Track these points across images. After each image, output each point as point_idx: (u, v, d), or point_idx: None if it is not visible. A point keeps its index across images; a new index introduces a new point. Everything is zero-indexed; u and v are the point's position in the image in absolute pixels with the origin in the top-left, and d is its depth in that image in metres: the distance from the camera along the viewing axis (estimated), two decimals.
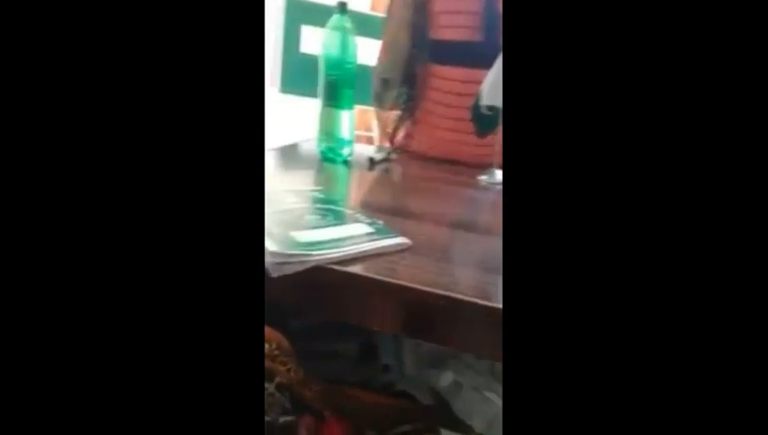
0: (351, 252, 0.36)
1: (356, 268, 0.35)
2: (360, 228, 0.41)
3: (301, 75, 2.03)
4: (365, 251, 0.37)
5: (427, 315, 0.34)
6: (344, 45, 0.68)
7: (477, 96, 0.75)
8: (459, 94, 0.82)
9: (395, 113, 0.93)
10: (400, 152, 0.89)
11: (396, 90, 0.89)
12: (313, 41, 1.96)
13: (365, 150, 0.82)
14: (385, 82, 0.90)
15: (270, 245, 0.34)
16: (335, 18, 0.68)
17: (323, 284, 0.35)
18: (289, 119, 2.46)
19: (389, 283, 0.34)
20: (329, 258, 0.35)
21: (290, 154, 0.78)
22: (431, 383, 0.49)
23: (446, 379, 0.49)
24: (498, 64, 0.71)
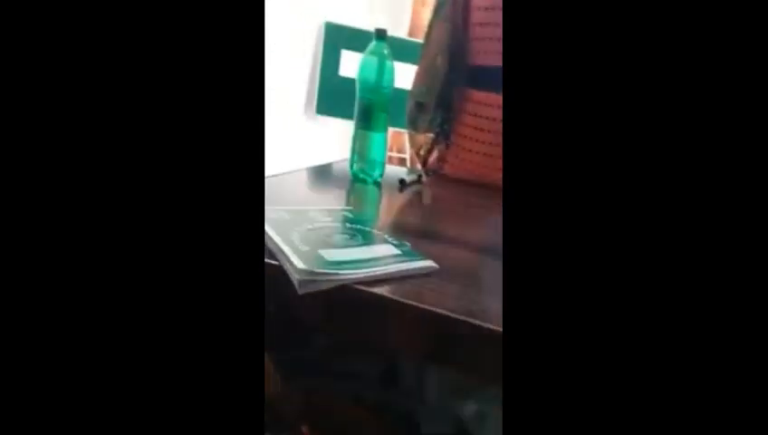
0: (378, 273, 0.36)
1: (381, 289, 0.35)
2: (388, 250, 0.41)
3: (337, 98, 2.09)
4: (392, 273, 0.37)
5: (451, 342, 0.33)
6: (381, 70, 0.69)
7: None
8: (494, 119, 0.82)
9: (429, 136, 0.94)
10: (432, 175, 0.89)
11: (430, 114, 0.90)
12: (352, 65, 2.02)
13: (397, 172, 0.83)
14: (420, 106, 0.91)
15: (298, 262, 0.34)
16: (373, 44, 0.70)
17: (348, 303, 0.35)
18: (325, 140, 2.52)
19: (414, 306, 0.34)
20: (355, 278, 0.35)
21: (323, 174, 0.80)
22: (454, 412, 0.48)
23: (470, 409, 0.48)
24: None
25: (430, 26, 0.92)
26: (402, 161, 2.20)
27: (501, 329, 0.32)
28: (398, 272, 0.37)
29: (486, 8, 0.82)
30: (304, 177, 0.75)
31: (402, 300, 0.34)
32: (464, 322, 0.32)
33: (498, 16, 0.82)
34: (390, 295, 0.35)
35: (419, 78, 0.92)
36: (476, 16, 0.83)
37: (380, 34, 0.70)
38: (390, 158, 2.25)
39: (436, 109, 0.89)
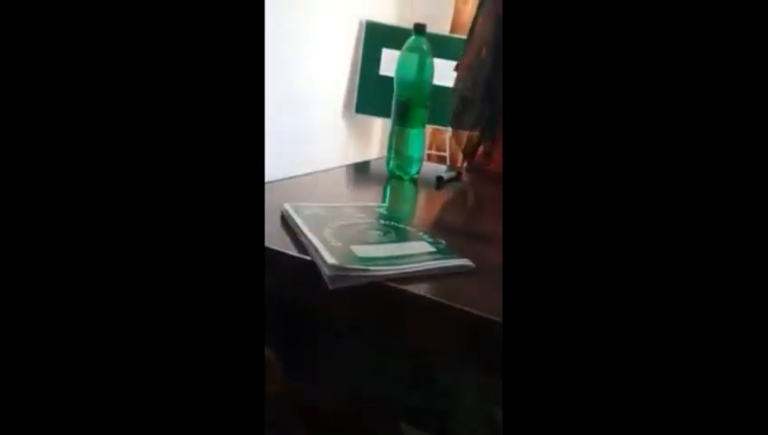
0: (410, 270, 0.35)
1: (414, 287, 0.34)
2: (422, 247, 0.40)
3: (377, 96, 2.09)
4: (425, 270, 0.36)
5: (486, 344, 0.32)
6: (419, 66, 0.68)
7: None
8: None
9: (474, 133, 0.92)
10: (475, 172, 0.87)
11: (476, 109, 0.88)
12: (393, 63, 2.02)
13: (435, 169, 0.81)
14: (464, 101, 0.89)
15: (329, 257, 0.34)
16: (411, 39, 0.69)
17: (379, 300, 0.35)
18: (367, 138, 2.54)
19: (447, 305, 0.33)
20: (386, 274, 0.34)
21: (360, 171, 0.80)
22: (488, 414, 0.46)
23: None
24: None
25: (474, 21, 0.90)
26: (441, 159, 2.17)
27: None
28: (430, 270, 0.36)
29: None
30: (342, 174, 0.75)
31: (435, 298, 0.33)
32: (495, 322, 0.31)
33: None
34: (422, 293, 0.34)
35: (464, 73, 0.90)
36: None
37: (419, 29, 0.69)
38: (429, 155, 2.22)
39: (483, 103, 0.87)
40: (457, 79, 0.91)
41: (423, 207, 0.66)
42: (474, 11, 0.91)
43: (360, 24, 2.15)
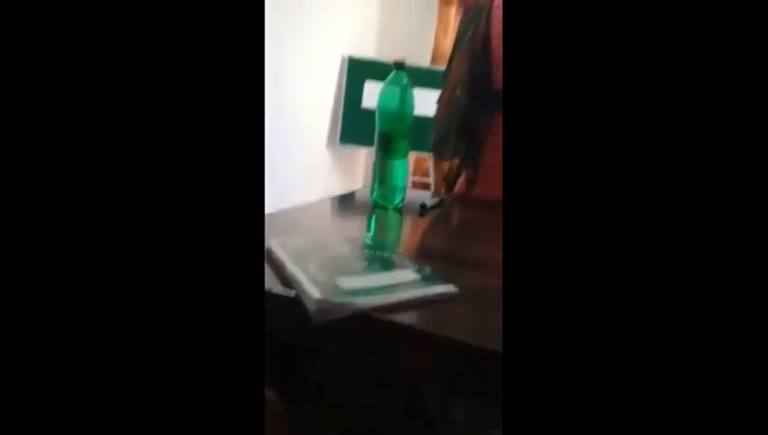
0: (395, 299, 0.36)
1: (400, 316, 0.35)
2: (407, 275, 0.40)
3: (360, 127, 2.14)
4: (410, 299, 0.37)
5: (473, 370, 0.32)
6: (400, 100, 0.71)
7: None
8: None
9: (454, 163, 0.95)
10: (457, 199, 0.89)
11: (452, 145, 0.91)
12: (375, 95, 2.08)
13: (419, 197, 0.83)
14: (441, 136, 0.93)
15: (314, 292, 0.34)
16: (392, 75, 0.71)
17: (366, 331, 0.35)
18: (352, 169, 2.57)
19: (432, 333, 0.33)
20: (372, 305, 0.35)
21: (346, 202, 0.81)
22: None
23: None
24: None
25: (451, 59, 0.94)
26: (426, 186, 2.20)
27: None
28: (415, 298, 0.37)
29: (502, 36, 0.84)
30: (328, 206, 0.76)
31: (420, 327, 0.34)
32: (482, 348, 0.31)
33: None
34: (407, 322, 0.34)
35: (441, 109, 0.94)
36: (495, 43, 0.85)
37: (399, 65, 0.71)
38: (414, 182, 2.25)
39: (458, 138, 0.90)
40: (437, 111, 0.94)
41: (408, 235, 0.67)
42: (451, 49, 0.96)
43: (343, 59, 2.21)
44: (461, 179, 0.94)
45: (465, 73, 0.88)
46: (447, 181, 0.96)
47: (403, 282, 0.39)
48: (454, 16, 2.57)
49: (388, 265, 0.43)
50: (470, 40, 0.88)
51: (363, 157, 2.59)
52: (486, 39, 0.86)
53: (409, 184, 0.82)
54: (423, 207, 0.74)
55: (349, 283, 0.37)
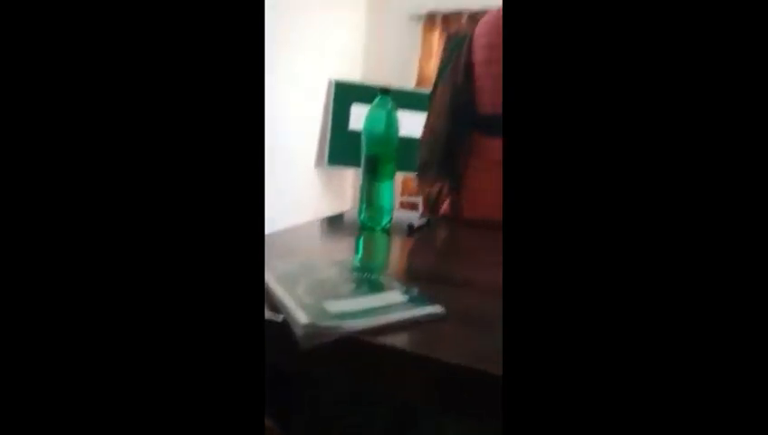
0: (383, 322, 0.36)
1: (388, 338, 0.35)
2: (395, 297, 0.41)
3: (347, 148, 2.16)
4: (397, 321, 0.37)
5: (462, 391, 0.32)
6: (385, 125, 0.72)
7: None
8: (501, 163, 0.84)
9: (436, 187, 0.97)
10: (444, 220, 0.90)
11: (434, 170, 0.94)
12: (362, 117, 2.12)
13: (406, 217, 0.84)
14: (425, 162, 0.95)
15: (301, 316, 0.35)
16: (377, 100, 0.73)
17: (355, 354, 0.35)
18: (339, 187, 2.57)
19: (419, 354, 0.33)
20: (359, 328, 0.35)
21: (334, 223, 0.81)
22: None
23: None
24: None
25: (434, 89, 0.97)
26: (414, 206, 2.22)
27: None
28: (403, 320, 0.37)
29: (486, 62, 0.87)
30: (317, 228, 0.76)
31: (407, 348, 0.34)
32: (471, 368, 0.31)
33: (495, 69, 0.86)
34: (394, 344, 0.34)
35: (425, 135, 0.96)
36: (478, 71, 0.88)
37: (384, 91, 0.73)
38: (402, 202, 2.27)
39: (440, 166, 0.93)
40: (422, 137, 0.97)
41: (396, 256, 0.67)
42: (435, 79, 0.99)
43: (330, 83, 2.25)
44: (446, 202, 0.96)
45: (447, 103, 0.91)
46: (430, 204, 0.98)
47: (391, 304, 0.39)
48: (437, 42, 2.65)
49: (375, 288, 0.44)
50: (453, 69, 0.91)
51: (352, 177, 2.60)
52: (469, 67, 0.89)
53: (397, 204, 0.83)
54: (410, 227, 0.74)
55: (336, 306, 0.37)
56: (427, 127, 0.96)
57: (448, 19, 2.64)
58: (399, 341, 0.35)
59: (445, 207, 0.96)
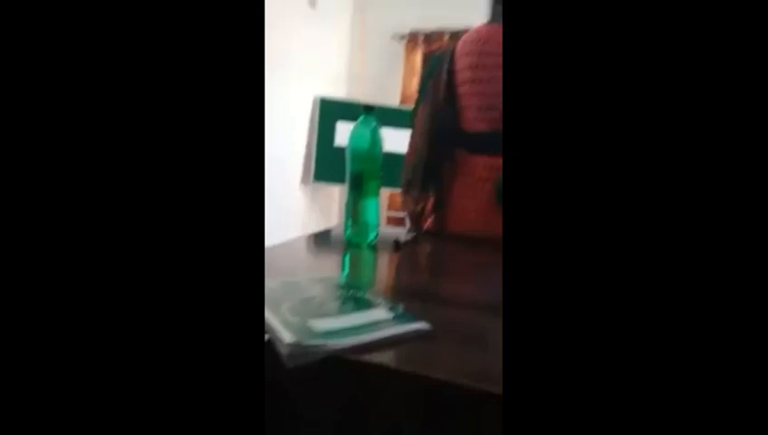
0: (368, 339, 0.36)
1: (373, 356, 0.35)
2: (380, 314, 0.41)
3: (334, 165, 2.17)
4: (383, 338, 0.37)
5: (447, 407, 0.32)
6: (370, 142, 0.73)
7: (499, 180, 0.78)
8: (486, 179, 0.85)
9: (420, 205, 0.99)
10: (430, 235, 0.91)
11: (417, 188, 0.95)
12: (347, 134, 2.14)
13: (393, 233, 0.84)
14: (408, 181, 0.97)
15: (286, 336, 0.34)
16: (361, 118, 0.74)
17: (340, 372, 0.35)
18: (326, 202, 2.57)
19: (406, 371, 0.33)
20: (344, 346, 0.35)
21: (321, 240, 0.81)
22: None
23: None
24: None
25: (416, 108, 0.99)
26: (400, 220, 2.23)
27: (493, 389, 0.31)
28: (388, 337, 0.37)
29: (469, 81, 0.89)
30: (303, 245, 0.76)
31: (391, 365, 0.34)
32: (457, 385, 0.32)
33: (479, 88, 0.88)
34: (378, 361, 0.34)
35: (408, 156, 0.98)
36: (461, 90, 0.90)
37: (368, 110, 0.74)
38: (389, 218, 2.28)
39: (425, 183, 0.95)
40: (407, 156, 0.98)
41: (382, 272, 0.67)
42: (416, 99, 1.01)
43: (315, 100, 2.27)
44: (430, 218, 0.97)
45: (428, 123, 0.93)
46: (415, 220, 0.99)
47: (376, 321, 0.39)
48: (420, 60, 2.71)
49: (361, 305, 0.44)
50: (433, 87, 0.93)
51: (339, 193, 2.60)
52: (452, 86, 0.91)
53: (384, 219, 0.84)
54: (396, 243, 0.75)
55: (321, 324, 0.37)
56: (411, 146, 0.97)
57: (430, 38, 2.70)
58: (385, 358, 0.35)
59: (429, 222, 0.97)
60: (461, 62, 0.91)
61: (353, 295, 0.46)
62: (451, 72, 0.91)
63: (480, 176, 0.87)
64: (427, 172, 0.94)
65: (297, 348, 0.33)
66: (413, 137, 0.97)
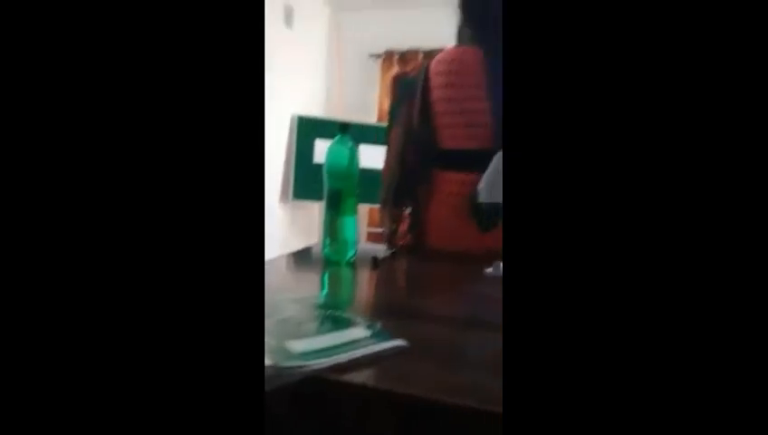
0: (345, 358, 0.36)
1: (352, 375, 0.35)
2: (358, 333, 0.41)
3: (313, 183, 2.17)
4: (360, 356, 0.37)
5: (425, 424, 0.33)
6: (347, 160, 0.74)
7: (473, 196, 0.81)
8: (462, 195, 0.87)
9: (396, 223, 1.01)
10: (408, 251, 0.92)
11: (395, 205, 0.98)
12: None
13: (372, 249, 0.85)
14: (384, 200, 0.99)
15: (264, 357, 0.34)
16: (338, 137, 0.75)
17: (317, 393, 0.35)
18: (306, 219, 2.55)
19: (381, 389, 0.34)
20: (322, 367, 0.35)
21: (301, 258, 0.81)
22: None
23: None
24: (492, 166, 0.78)
25: (389, 130, 1.01)
26: (379, 236, 2.24)
27: (477, 406, 0.31)
28: (366, 355, 0.37)
29: (445, 100, 0.92)
30: (283, 264, 0.76)
31: (369, 384, 0.34)
32: (435, 401, 0.32)
33: (454, 106, 0.91)
34: (355, 381, 0.34)
35: (383, 176, 1.00)
36: (437, 108, 0.93)
37: (344, 128, 0.75)
38: (369, 233, 2.29)
39: (399, 202, 0.97)
40: (382, 177, 1.00)
41: (360, 290, 0.68)
42: (388, 121, 1.04)
43: (292, 118, 2.28)
44: (407, 235, 0.99)
45: (401, 145, 0.95)
46: (389, 238, 1.00)
47: (354, 340, 0.40)
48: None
49: (339, 324, 0.44)
50: (407, 110, 0.96)
51: (318, 211, 2.59)
52: (427, 105, 0.94)
53: (364, 235, 0.85)
54: (375, 260, 0.75)
55: (299, 345, 0.37)
56: (386, 167, 0.99)
57: (405, 57, 2.76)
58: (362, 377, 0.35)
59: (406, 239, 0.98)
60: (435, 82, 0.93)
61: (331, 315, 0.46)
62: (425, 90, 0.94)
63: (455, 191, 0.89)
64: (402, 190, 0.96)
65: (274, 370, 0.33)
66: (387, 158, 0.99)
